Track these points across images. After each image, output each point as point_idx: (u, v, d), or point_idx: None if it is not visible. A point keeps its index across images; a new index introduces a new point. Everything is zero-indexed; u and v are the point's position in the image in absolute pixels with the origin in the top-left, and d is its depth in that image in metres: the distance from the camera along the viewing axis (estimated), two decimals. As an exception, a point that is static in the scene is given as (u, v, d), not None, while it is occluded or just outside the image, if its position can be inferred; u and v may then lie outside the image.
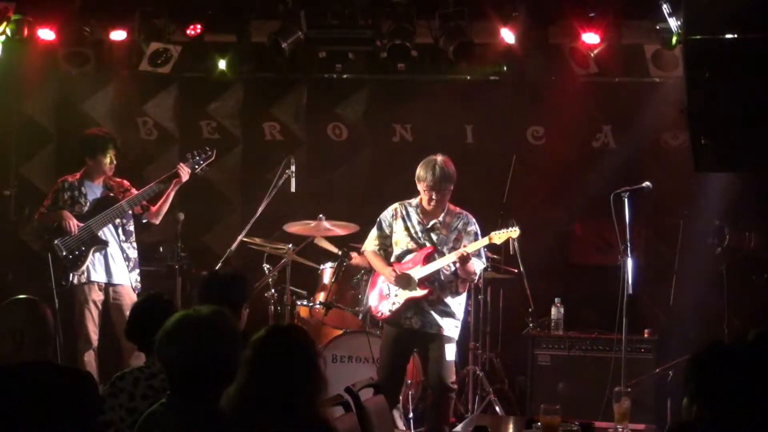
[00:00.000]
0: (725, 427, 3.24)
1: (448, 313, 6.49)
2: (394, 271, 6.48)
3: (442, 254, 6.46)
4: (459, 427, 5.34)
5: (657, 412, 7.05)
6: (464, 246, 6.41)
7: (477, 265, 6.44)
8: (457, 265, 6.36)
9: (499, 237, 6.47)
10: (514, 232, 6.47)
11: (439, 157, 6.44)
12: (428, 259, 6.49)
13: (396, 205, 6.67)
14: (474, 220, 6.57)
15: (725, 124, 4.91)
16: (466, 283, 6.58)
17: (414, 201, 6.61)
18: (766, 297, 7.48)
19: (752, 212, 7.78)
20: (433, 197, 6.43)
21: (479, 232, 6.52)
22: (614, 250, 6.73)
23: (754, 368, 3.27)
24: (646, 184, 6.66)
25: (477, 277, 6.68)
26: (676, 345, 7.49)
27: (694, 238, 7.73)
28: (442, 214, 6.53)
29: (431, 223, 6.53)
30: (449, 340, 6.48)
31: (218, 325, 3.33)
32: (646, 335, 7.31)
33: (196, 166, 7.56)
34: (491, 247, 6.89)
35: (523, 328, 7.65)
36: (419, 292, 6.45)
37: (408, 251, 6.57)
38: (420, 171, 6.46)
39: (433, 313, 6.46)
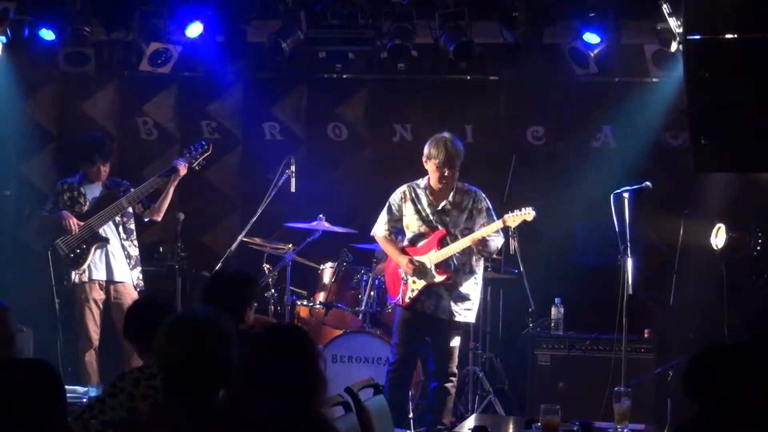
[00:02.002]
0: (726, 427, 3.24)
1: (463, 297, 6.56)
2: (411, 263, 6.51)
3: (454, 236, 6.53)
4: (459, 427, 5.34)
5: (657, 412, 7.05)
6: (480, 225, 6.48)
7: (497, 242, 6.52)
8: (475, 249, 6.41)
9: (513, 220, 6.47)
10: (528, 215, 6.46)
11: (447, 134, 6.53)
12: (441, 242, 6.54)
13: (404, 187, 6.71)
14: (484, 195, 6.63)
15: (725, 124, 4.90)
16: (480, 259, 6.62)
17: (422, 182, 6.65)
18: (766, 297, 7.47)
19: (752, 212, 7.78)
20: (445, 173, 6.46)
21: (491, 206, 6.59)
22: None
23: (754, 368, 3.27)
24: (646, 184, 6.66)
25: (495, 254, 6.75)
26: (676, 345, 7.49)
27: (694, 238, 7.73)
28: (452, 194, 6.56)
29: (442, 204, 6.56)
30: (458, 326, 6.58)
31: (214, 324, 3.33)
32: (646, 335, 7.31)
33: (193, 160, 7.57)
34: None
35: (523, 328, 7.65)
36: (438, 278, 6.52)
37: (420, 235, 6.62)
38: (431, 149, 6.50)
39: (448, 298, 6.53)
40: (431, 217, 6.59)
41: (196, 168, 7.64)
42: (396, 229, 6.72)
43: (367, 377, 5.09)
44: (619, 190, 6.59)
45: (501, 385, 7.81)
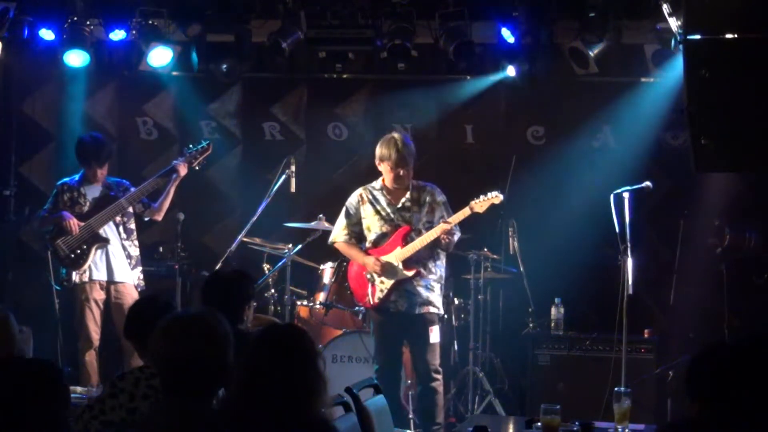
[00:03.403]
0: (727, 427, 3.24)
1: (428, 286, 6.52)
2: (378, 260, 6.49)
3: (418, 231, 6.50)
4: (459, 427, 5.35)
5: (657, 412, 7.06)
6: (439, 218, 6.45)
7: (458, 234, 6.50)
8: (443, 238, 6.37)
9: (480, 205, 6.45)
10: (495, 198, 6.45)
11: (396, 134, 6.53)
12: (405, 239, 6.51)
13: (360, 190, 6.69)
14: (439, 189, 6.61)
15: (725, 124, 4.90)
16: (441, 254, 6.59)
17: (377, 184, 6.64)
18: (766, 297, 7.48)
19: (752, 212, 7.78)
20: (401, 174, 6.46)
21: (446, 201, 6.57)
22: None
23: (756, 368, 3.27)
24: (646, 184, 6.66)
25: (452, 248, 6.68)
26: (676, 345, 7.50)
27: (694, 238, 7.73)
28: (409, 192, 6.55)
29: (401, 201, 6.55)
30: (434, 318, 6.52)
31: (206, 325, 3.33)
32: (646, 335, 7.31)
33: (193, 160, 7.56)
34: (481, 239, 6.85)
35: (523, 328, 7.65)
36: (407, 275, 6.48)
37: (383, 235, 6.58)
38: (382, 150, 6.49)
39: (417, 291, 6.49)
40: (392, 215, 6.56)
41: (196, 168, 7.63)
42: (355, 233, 6.66)
43: (367, 377, 5.10)
44: (619, 190, 6.58)
45: (501, 385, 7.82)
